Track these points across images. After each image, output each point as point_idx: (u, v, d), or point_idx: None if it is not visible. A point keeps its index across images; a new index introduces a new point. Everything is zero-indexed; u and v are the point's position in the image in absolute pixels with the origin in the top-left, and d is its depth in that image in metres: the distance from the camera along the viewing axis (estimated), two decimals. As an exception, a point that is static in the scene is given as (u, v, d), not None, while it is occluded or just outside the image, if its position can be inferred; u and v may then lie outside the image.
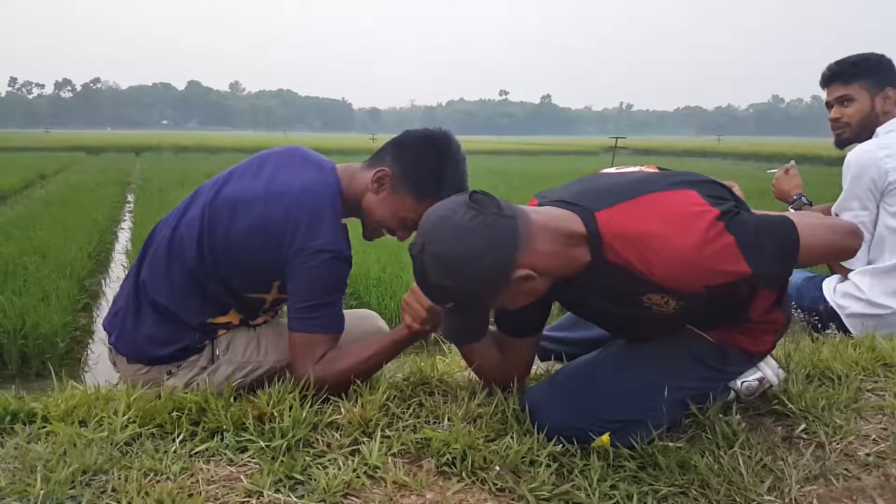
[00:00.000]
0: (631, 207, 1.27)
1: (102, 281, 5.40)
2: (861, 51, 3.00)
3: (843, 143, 2.59)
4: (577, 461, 1.32)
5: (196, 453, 1.29)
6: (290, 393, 1.45)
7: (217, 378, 1.61)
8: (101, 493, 1.15)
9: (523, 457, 1.30)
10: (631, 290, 1.30)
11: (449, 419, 1.44)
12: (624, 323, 1.48)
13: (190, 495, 1.15)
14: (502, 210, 1.20)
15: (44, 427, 1.35)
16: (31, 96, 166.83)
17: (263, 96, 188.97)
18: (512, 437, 1.35)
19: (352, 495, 1.18)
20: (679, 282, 1.24)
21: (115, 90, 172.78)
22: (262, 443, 1.31)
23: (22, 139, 34.96)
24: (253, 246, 1.54)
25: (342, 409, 1.43)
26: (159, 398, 1.44)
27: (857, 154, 2.44)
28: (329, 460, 1.28)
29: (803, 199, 2.65)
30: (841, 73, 2.52)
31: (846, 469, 1.35)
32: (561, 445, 1.34)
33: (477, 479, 1.25)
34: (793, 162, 2.79)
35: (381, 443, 1.33)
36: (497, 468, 1.26)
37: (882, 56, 2.51)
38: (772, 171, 2.86)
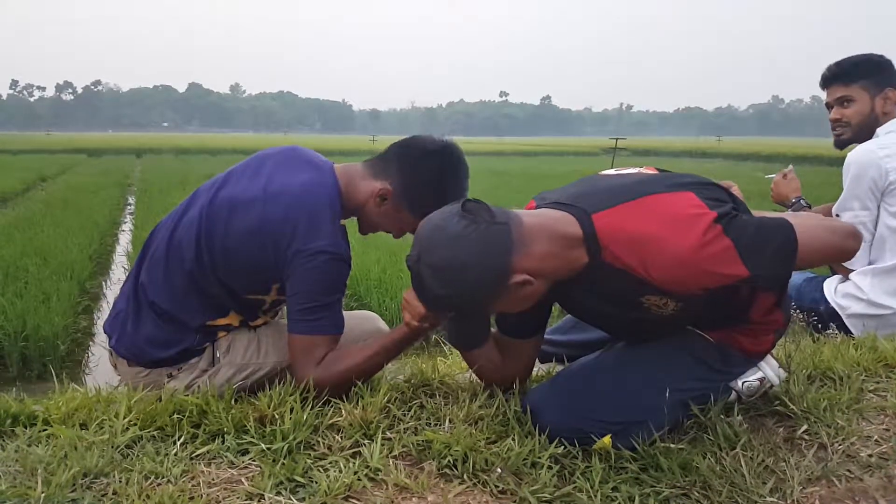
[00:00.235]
0: (628, 209, 1.27)
1: (103, 283, 5.40)
2: (861, 51, 3.01)
3: (843, 143, 2.60)
4: (578, 463, 1.32)
5: (197, 456, 1.29)
6: (290, 395, 1.45)
7: (218, 380, 1.61)
8: (102, 495, 1.15)
9: (525, 459, 1.30)
10: (629, 292, 1.30)
11: (450, 421, 1.44)
12: (623, 324, 1.48)
13: (191, 498, 1.15)
14: (494, 217, 1.21)
15: (44, 430, 1.35)
16: (32, 99, 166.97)
17: (264, 98, 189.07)
18: (513, 439, 1.35)
19: (353, 498, 1.18)
20: (677, 284, 1.25)
21: (116, 92, 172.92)
22: (263, 445, 1.30)
23: (23, 141, 34.98)
24: (251, 247, 1.53)
25: (343, 412, 1.43)
26: (160, 401, 1.44)
27: (857, 154, 2.44)
28: (330, 462, 1.28)
29: (802, 201, 2.65)
30: (841, 74, 2.52)
31: (848, 470, 1.35)
32: (562, 447, 1.34)
33: (478, 482, 1.25)
34: (791, 166, 2.80)
35: (382, 445, 1.33)
36: (498, 470, 1.26)
37: (882, 57, 2.51)
38: (770, 175, 2.87)
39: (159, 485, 1.19)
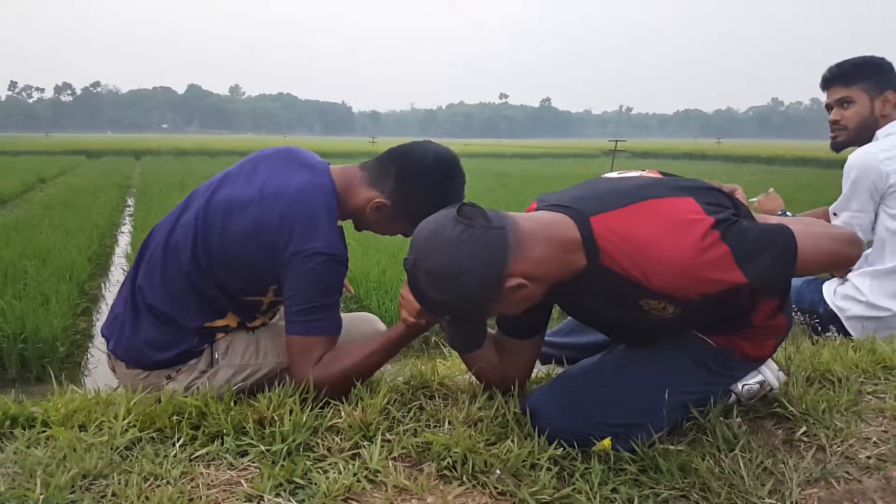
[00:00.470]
0: (627, 213, 1.27)
1: (102, 285, 5.40)
2: (861, 53, 3.01)
3: (839, 146, 2.60)
4: (577, 465, 1.32)
5: (196, 457, 1.29)
6: (290, 397, 1.45)
7: (217, 381, 1.61)
8: (101, 497, 1.15)
9: (524, 460, 1.30)
10: (628, 295, 1.30)
11: (449, 423, 1.44)
12: (623, 327, 1.48)
13: (190, 500, 1.15)
14: (490, 222, 1.21)
15: (43, 431, 1.35)
16: (31, 100, 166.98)
17: (263, 99, 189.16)
18: (513, 441, 1.35)
19: (352, 499, 1.18)
20: (674, 289, 1.25)
21: (116, 94, 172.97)
22: (262, 447, 1.30)
23: (22, 143, 34.97)
24: (248, 249, 1.54)
25: (342, 413, 1.43)
26: (159, 402, 1.44)
27: (858, 157, 2.45)
28: (329, 464, 1.28)
29: (788, 214, 2.66)
30: (842, 76, 2.53)
31: (847, 472, 1.35)
32: (562, 449, 1.34)
33: (478, 483, 1.25)
34: (772, 189, 2.80)
35: (382, 447, 1.33)
36: (498, 472, 1.26)
37: (883, 59, 2.52)
38: (752, 199, 2.88)
39: (158, 486, 1.18)
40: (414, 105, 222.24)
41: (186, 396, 1.50)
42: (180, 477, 1.21)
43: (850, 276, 2.54)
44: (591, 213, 1.28)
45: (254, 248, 1.53)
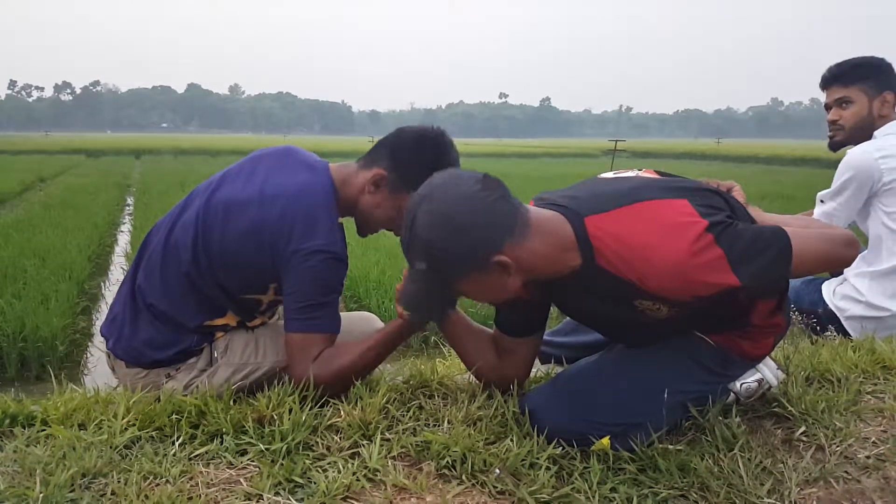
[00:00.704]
0: (621, 215, 1.27)
1: (102, 284, 5.39)
2: (861, 53, 3.02)
3: (836, 146, 2.62)
4: (576, 464, 1.32)
5: (195, 456, 1.29)
6: (289, 396, 1.45)
7: (216, 380, 1.61)
8: (101, 496, 1.15)
9: (523, 460, 1.30)
10: (623, 296, 1.30)
11: (449, 422, 1.44)
12: (620, 326, 1.48)
13: (189, 498, 1.15)
14: (508, 197, 1.23)
15: (43, 430, 1.35)
16: (30, 99, 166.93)
17: (263, 99, 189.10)
18: (512, 440, 1.35)
19: (351, 498, 1.18)
20: (668, 291, 1.25)
21: (115, 93, 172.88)
22: (261, 446, 1.30)
23: (21, 142, 34.94)
24: (249, 248, 1.54)
25: (342, 412, 1.43)
26: (159, 401, 1.45)
27: (854, 154, 2.46)
28: (329, 463, 1.28)
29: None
30: (840, 76, 2.54)
31: (846, 471, 1.35)
32: (561, 448, 1.34)
33: (477, 482, 1.25)
34: (737, 186, 2.79)
35: (381, 446, 1.33)
36: (497, 471, 1.26)
37: (881, 60, 2.53)
38: None
39: (158, 485, 1.19)
40: (414, 105, 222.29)
41: (186, 395, 1.50)
42: (180, 475, 1.21)
43: (848, 276, 2.54)
44: (586, 214, 1.29)
45: (254, 247, 1.53)
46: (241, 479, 1.22)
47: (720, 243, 1.21)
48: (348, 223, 1.66)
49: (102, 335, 1.71)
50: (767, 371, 1.54)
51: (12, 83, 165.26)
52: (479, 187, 1.22)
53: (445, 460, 1.29)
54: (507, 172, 17.22)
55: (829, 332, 2.40)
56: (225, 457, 1.29)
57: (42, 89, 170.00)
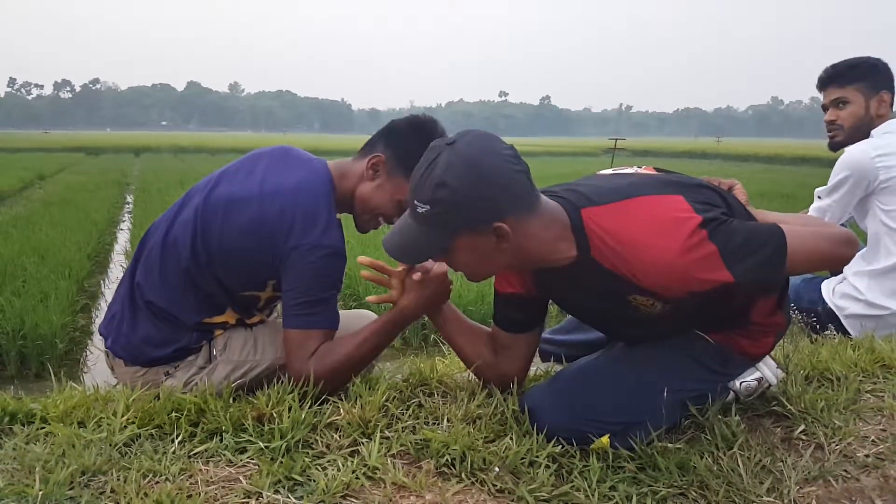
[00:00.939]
0: (616, 209, 1.28)
1: (101, 282, 5.39)
2: (860, 53, 3.04)
3: (836, 145, 2.62)
4: (576, 462, 1.32)
5: (195, 454, 1.29)
6: (289, 394, 1.45)
7: (215, 377, 1.61)
8: (100, 494, 1.15)
9: (522, 458, 1.30)
10: (617, 290, 1.31)
11: (448, 420, 1.44)
12: (615, 321, 1.49)
13: (189, 496, 1.15)
14: (528, 175, 1.26)
15: (42, 428, 1.35)
16: (30, 97, 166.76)
17: (263, 97, 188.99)
18: (511, 439, 1.35)
19: (351, 496, 1.18)
20: (661, 287, 1.26)
21: (115, 91, 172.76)
22: (261, 444, 1.30)
23: (21, 140, 34.93)
24: (248, 245, 1.54)
25: (341, 410, 1.43)
26: (158, 399, 1.44)
27: (851, 153, 2.47)
28: (328, 461, 1.28)
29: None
30: (837, 77, 2.55)
31: (845, 470, 1.35)
32: (560, 447, 1.34)
33: (476, 480, 1.25)
34: (738, 185, 2.80)
35: (381, 444, 1.33)
36: (496, 469, 1.26)
37: (878, 60, 2.54)
38: None
39: (157, 483, 1.19)
40: (413, 103, 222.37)
41: (185, 393, 1.50)
42: (179, 473, 1.21)
43: (848, 275, 2.54)
44: (583, 206, 1.29)
45: (253, 244, 1.54)
46: (241, 477, 1.22)
47: (714, 239, 1.21)
48: (347, 221, 1.66)
49: (101, 334, 1.71)
50: (767, 370, 1.54)
51: (12, 81, 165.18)
52: (510, 153, 1.25)
53: (445, 458, 1.29)
54: (507, 171, 17.19)
55: (829, 331, 2.40)
56: (224, 455, 1.29)
57: (42, 87, 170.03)
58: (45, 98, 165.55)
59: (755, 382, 1.53)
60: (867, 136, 2.50)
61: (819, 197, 2.55)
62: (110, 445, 1.28)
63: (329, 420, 1.41)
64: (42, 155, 22.12)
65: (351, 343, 1.54)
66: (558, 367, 1.72)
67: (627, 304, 1.33)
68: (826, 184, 2.52)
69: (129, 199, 10.70)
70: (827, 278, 2.66)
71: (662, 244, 1.21)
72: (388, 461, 1.28)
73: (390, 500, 1.18)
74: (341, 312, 1.63)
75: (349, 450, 1.32)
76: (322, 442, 1.34)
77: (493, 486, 1.23)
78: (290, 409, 1.39)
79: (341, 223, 1.59)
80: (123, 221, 8.47)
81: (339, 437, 1.36)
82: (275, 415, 1.39)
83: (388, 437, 1.37)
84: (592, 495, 1.22)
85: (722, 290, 1.24)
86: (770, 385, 1.56)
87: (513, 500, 1.21)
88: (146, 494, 1.13)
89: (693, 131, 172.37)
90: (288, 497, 1.16)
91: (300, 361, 1.50)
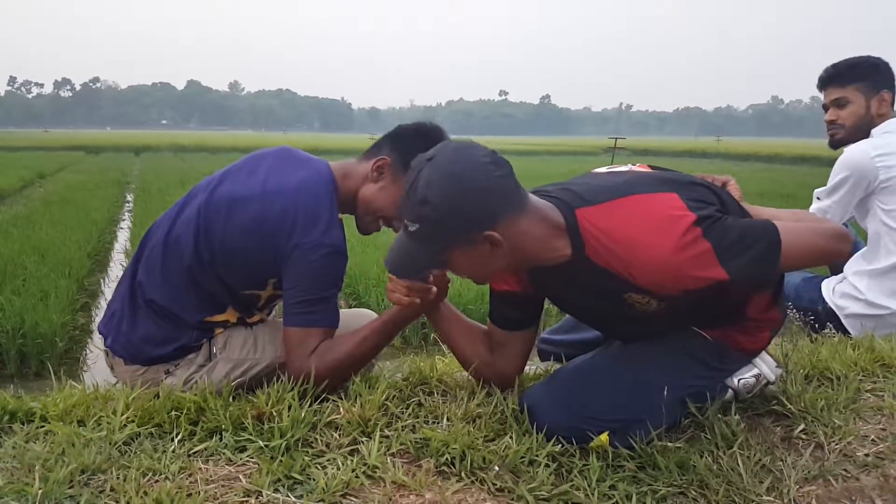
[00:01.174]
0: (610, 208, 1.28)
1: (101, 281, 5.39)
2: (860, 52, 3.04)
3: (837, 144, 2.62)
4: (576, 461, 1.32)
5: (195, 453, 1.29)
6: (289, 392, 1.45)
7: (215, 376, 1.61)
8: (100, 492, 1.15)
9: (522, 457, 1.30)
10: (612, 289, 1.31)
11: (448, 419, 1.44)
12: (611, 319, 1.49)
13: (188, 495, 1.15)
14: (513, 176, 1.26)
15: (42, 426, 1.35)
16: (30, 96, 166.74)
17: (263, 96, 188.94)
18: (511, 437, 1.35)
19: (351, 495, 1.18)
20: (656, 285, 1.26)
21: (115, 90, 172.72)
22: (260, 442, 1.30)
23: (21, 138, 34.93)
24: (250, 244, 1.55)
25: (341, 409, 1.43)
26: (158, 398, 1.44)
27: (851, 153, 2.47)
28: (328, 460, 1.28)
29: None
30: (837, 76, 2.55)
31: (845, 469, 1.35)
32: (560, 445, 1.34)
33: (476, 479, 1.25)
34: (732, 180, 2.80)
35: (380, 443, 1.33)
36: (496, 468, 1.26)
37: (878, 59, 2.53)
38: None
39: (157, 481, 1.19)
40: (413, 102, 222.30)
41: (185, 391, 1.50)
42: (179, 472, 1.21)
43: (848, 274, 2.54)
44: (578, 206, 1.30)
45: (256, 242, 1.54)
46: (241, 476, 1.22)
47: (708, 237, 1.21)
48: (349, 222, 1.67)
49: (100, 332, 1.71)
50: (764, 366, 1.54)
51: (12, 79, 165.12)
52: (489, 160, 1.24)
53: (445, 457, 1.29)
54: (507, 170, 17.19)
55: (829, 330, 2.40)
56: (224, 453, 1.29)
57: (42, 86, 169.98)
58: (46, 97, 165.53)
59: (753, 379, 1.53)
60: (867, 135, 2.50)
61: (818, 198, 2.55)
62: (110, 444, 1.28)
63: (329, 419, 1.41)
64: (42, 154, 22.12)
65: (351, 341, 1.54)
66: (558, 367, 1.72)
67: (623, 303, 1.33)
68: (826, 183, 2.52)
69: (129, 198, 10.69)
70: (827, 278, 2.66)
71: (657, 242, 1.21)
72: (388, 460, 1.28)
73: (390, 499, 1.18)
74: (341, 311, 1.63)
75: (349, 448, 1.32)
76: (322, 441, 1.34)
77: (493, 484, 1.23)
78: (289, 408, 1.39)
79: (343, 223, 1.59)
80: (123, 220, 8.47)
81: (339, 435, 1.36)
82: (274, 413, 1.39)
83: (387, 436, 1.37)
84: (592, 494, 1.22)
85: (717, 287, 1.24)
86: (769, 382, 1.56)
87: (512, 499, 1.21)
88: (146, 493, 1.13)
89: (693, 130, 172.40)
90: (288, 496, 1.16)
91: (300, 359, 1.51)
